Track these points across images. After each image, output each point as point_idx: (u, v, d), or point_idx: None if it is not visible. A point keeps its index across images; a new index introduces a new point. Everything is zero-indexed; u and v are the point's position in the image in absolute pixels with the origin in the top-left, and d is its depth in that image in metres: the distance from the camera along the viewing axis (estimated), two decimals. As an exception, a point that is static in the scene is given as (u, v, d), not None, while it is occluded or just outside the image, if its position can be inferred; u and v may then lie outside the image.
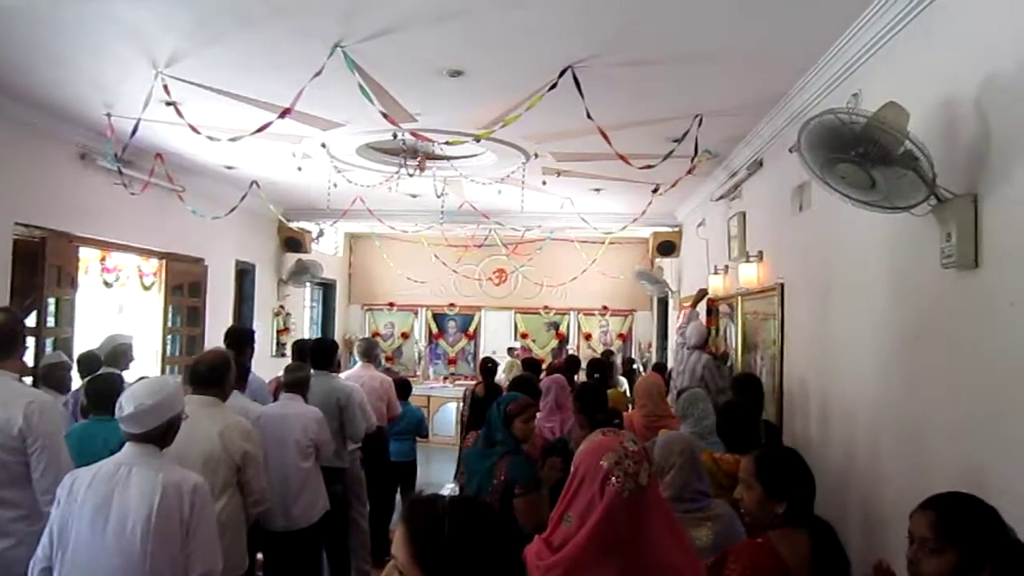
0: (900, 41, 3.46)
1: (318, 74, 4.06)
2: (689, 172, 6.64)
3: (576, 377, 7.57)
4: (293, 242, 10.23)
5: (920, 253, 3.22)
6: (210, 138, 5.06)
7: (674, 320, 10.27)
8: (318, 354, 5.54)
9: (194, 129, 4.87)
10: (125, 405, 2.77)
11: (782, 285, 5.35)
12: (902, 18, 3.36)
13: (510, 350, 11.88)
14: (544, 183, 7.61)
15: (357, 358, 6.69)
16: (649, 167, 5.21)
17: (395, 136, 5.68)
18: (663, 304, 11.60)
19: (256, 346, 5.90)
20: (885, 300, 3.66)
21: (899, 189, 2.78)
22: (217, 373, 3.65)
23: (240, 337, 5.57)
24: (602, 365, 7.41)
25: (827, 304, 4.51)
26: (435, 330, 13.20)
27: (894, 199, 2.80)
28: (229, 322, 8.61)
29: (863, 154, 2.72)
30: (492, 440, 3.63)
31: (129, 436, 2.79)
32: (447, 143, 4.95)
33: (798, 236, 5.07)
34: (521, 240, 11.49)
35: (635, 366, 10.72)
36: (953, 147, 2.94)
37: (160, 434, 2.82)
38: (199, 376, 3.62)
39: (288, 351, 9.15)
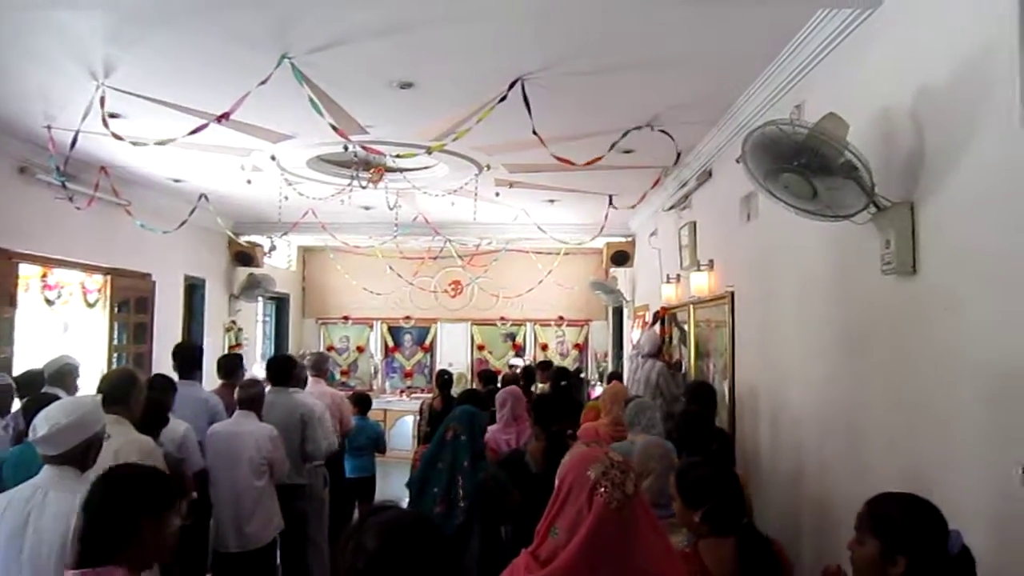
0: (840, 54, 3.57)
1: (263, 83, 4.02)
2: (655, 185, 6.75)
3: (533, 387, 7.60)
4: (244, 256, 10.08)
5: (862, 260, 3.31)
6: (134, 143, 4.98)
7: (629, 329, 10.39)
8: (276, 371, 5.48)
9: (117, 136, 4.77)
10: (39, 426, 2.63)
11: (732, 293, 5.45)
12: (841, 31, 3.47)
13: (511, 367, 11.58)
14: (497, 195, 7.65)
15: (307, 373, 6.62)
16: (597, 161, 5.22)
17: (346, 148, 5.66)
18: (618, 313, 11.71)
19: (204, 363, 5.85)
20: (829, 306, 3.76)
21: (840, 198, 2.86)
22: (120, 391, 3.53)
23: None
24: (567, 373, 7.46)
25: (775, 311, 4.61)
26: (391, 343, 13.12)
27: (835, 208, 2.89)
28: (178, 338, 8.44)
29: (805, 164, 2.80)
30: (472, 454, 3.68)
31: (46, 459, 2.65)
32: (399, 156, 4.94)
33: (746, 245, 5.18)
34: (476, 252, 11.52)
35: (582, 375, 10.81)
36: (891, 156, 3.03)
37: (79, 455, 2.67)
38: (104, 394, 3.50)
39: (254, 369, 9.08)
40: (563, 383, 7.12)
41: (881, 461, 3.18)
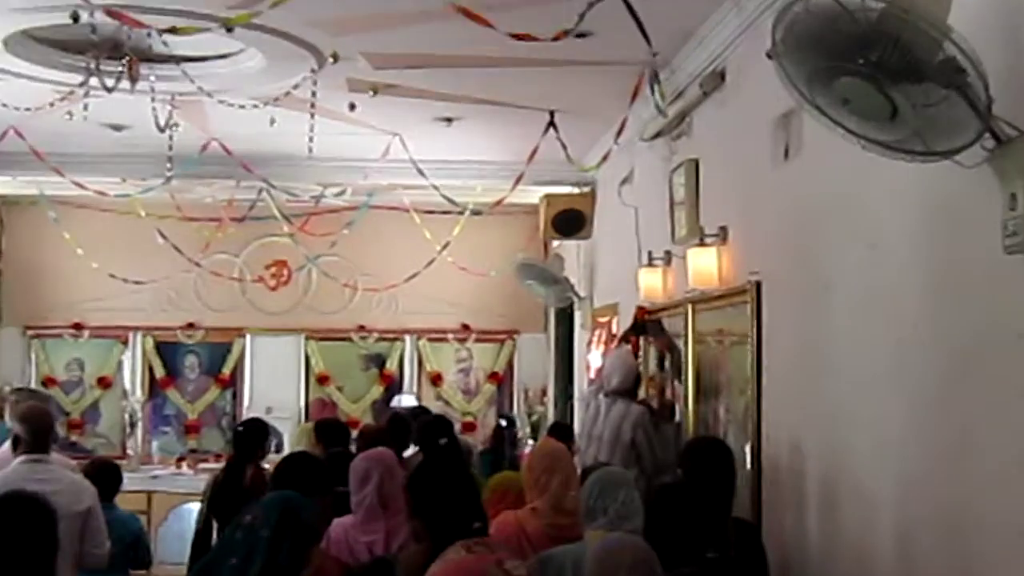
0: None
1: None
2: (634, 98, 6.78)
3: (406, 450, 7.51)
4: None
5: (970, 228, 3.40)
6: None
7: (584, 348, 10.46)
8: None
9: None
10: None
11: (758, 284, 5.52)
12: None
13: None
14: (352, 107, 7.59)
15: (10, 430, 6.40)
16: (527, 40, 5.18)
17: (75, 18, 5.54)
18: (565, 320, 11.77)
19: None
20: (921, 306, 3.85)
21: (936, 121, 2.93)
22: None
23: None
24: (443, 428, 7.36)
25: (830, 316, 4.70)
26: (161, 372, 12.90)
27: (928, 138, 2.96)
28: None
29: (877, 62, 2.86)
30: None
31: None
32: (172, 31, 4.86)
33: (782, 202, 5.24)
34: (316, 210, 11.37)
35: (515, 430, 10.78)
36: (1022, 58, 3.14)
37: None
38: None
39: None
40: (442, 441, 7.09)
41: (1003, 569, 3.29)
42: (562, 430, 8.54)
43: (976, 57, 2.93)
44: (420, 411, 9.22)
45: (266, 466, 6.95)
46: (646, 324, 7.75)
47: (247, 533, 4.09)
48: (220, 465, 10.70)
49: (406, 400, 12.14)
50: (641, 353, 7.77)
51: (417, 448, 7.36)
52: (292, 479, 5.02)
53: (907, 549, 3.96)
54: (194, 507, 11.31)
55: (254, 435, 7.33)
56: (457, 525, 3.96)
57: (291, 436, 10.42)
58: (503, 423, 10.33)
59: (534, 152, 8.29)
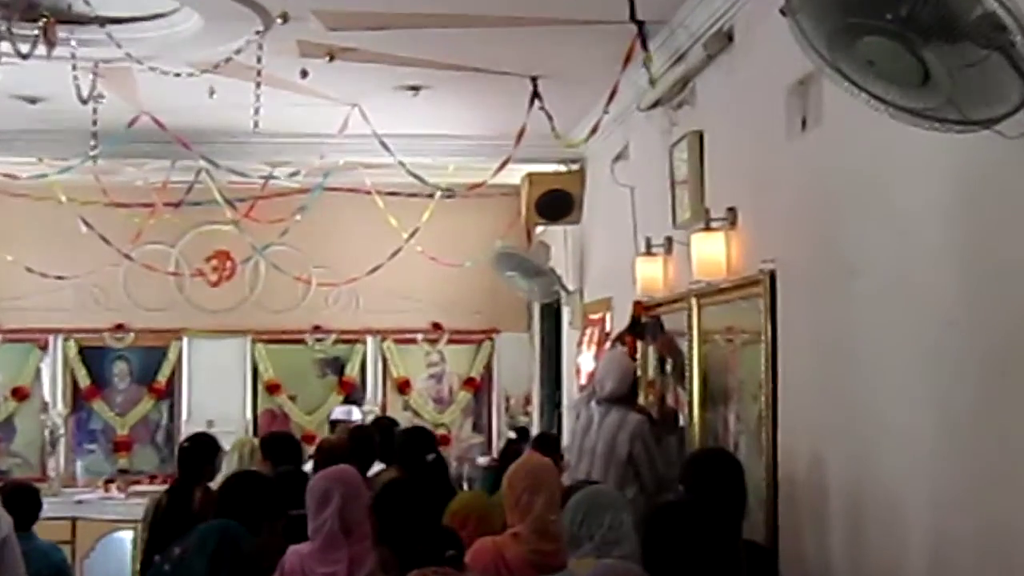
0: None
1: None
2: (627, 62, 6.78)
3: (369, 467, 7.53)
4: None
5: (1013, 206, 3.43)
6: None
7: (574, 349, 10.47)
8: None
9: None
10: None
11: (772, 274, 5.54)
12: None
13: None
14: (304, 75, 7.57)
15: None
16: None
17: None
18: (551, 317, 11.81)
19: None
20: (963, 301, 3.87)
21: (973, 86, 2.95)
22: None
23: None
24: (425, 439, 7.41)
25: (853, 309, 4.73)
26: (86, 381, 12.89)
27: (965, 105, 2.98)
28: None
29: (907, 18, 2.87)
30: None
31: None
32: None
33: (800, 179, 5.27)
34: (264, 193, 11.35)
35: (526, 444, 10.78)
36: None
37: None
38: None
39: None
40: (430, 457, 7.11)
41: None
42: (547, 442, 8.56)
43: (1020, 12, 2.93)
44: (387, 422, 9.20)
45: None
46: (644, 322, 7.77)
47: (176, 566, 4.07)
48: (156, 487, 10.75)
49: (353, 413, 11.69)
50: (639, 355, 7.79)
51: (384, 466, 7.38)
52: (237, 503, 5.03)
53: (943, 574, 3.99)
54: (126, 536, 11.34)
55: (202, 452, 7.30)
56: (429, 552, 3.97)
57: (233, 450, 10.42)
58: (513, 435, 10.38)
59: (522, 131, 8.29)
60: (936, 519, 4.04)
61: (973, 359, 3.78)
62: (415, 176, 9.59)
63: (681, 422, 7.10)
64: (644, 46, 6.43)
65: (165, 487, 8.01)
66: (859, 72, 3.06)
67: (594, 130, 8.14)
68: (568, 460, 7.20)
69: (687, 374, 6.98)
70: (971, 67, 2.96)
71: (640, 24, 6.21)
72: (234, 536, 4.13)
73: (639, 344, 7.81)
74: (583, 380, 9.30)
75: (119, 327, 12.81)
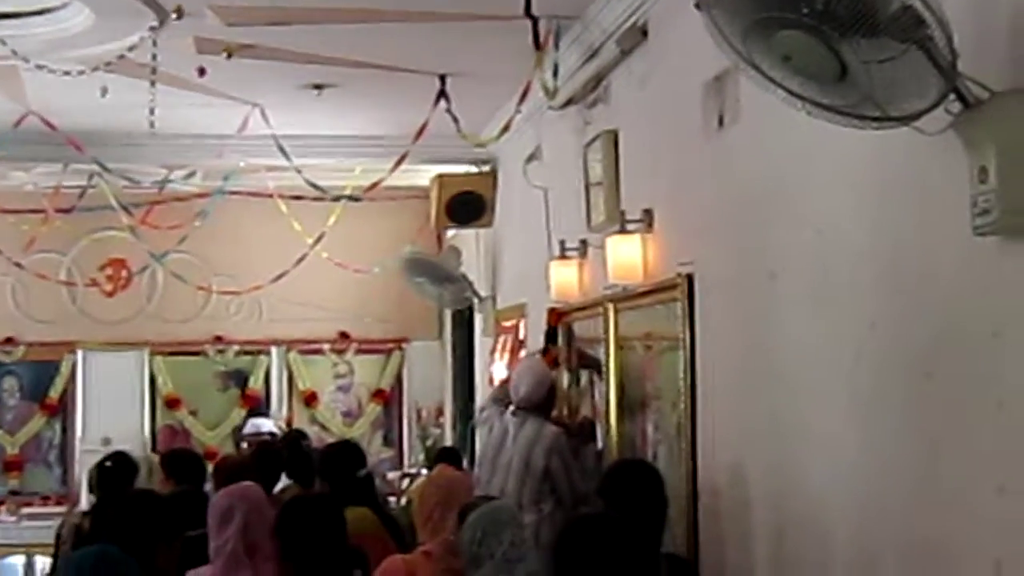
0: None
1: None
2: (540, 47, 6.75)
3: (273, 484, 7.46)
4: None
5: (934, 206, 3.43)
6: None
7: (487, 358, 10.45)
8: None
9: None
10: None
11: (690, 277, 5.55)
12: None
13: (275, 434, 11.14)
14: (202, 73, 7.50)
15: None
16: None
17: None
18: (463, 324, 11.79)
19: None
20: (877, 302, 3.88)
21: (891, 81, 2.94)
22: None
23: None
24: (350, 453, 7.33)
25: (774, 314, 4.74)
26: (-26, 397, 12.75)
27: (883, 100, 2.97)
28: None
29: (823, 12, 2.86)
30: None
31: None
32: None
33: (717, 179, 5.27)
34: (161, 197, 11.25)
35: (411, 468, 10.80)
36: (989, 9, 3.16)
37: None
38: None
39: None
40: (362, 473, 7.04)
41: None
42: (450, 455, 8.53)
43: (938, 6, 2.93)
44: (297, 435, 9.12)
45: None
46: (557, 329, 7.77)
47: None
48: (50, 509, 10.62)
49: (264, 426, 11.48)
50: (561, 365, 7.79)
51: (292, 481, 7.31)
52: (128, 524, 4.93)
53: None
54: (17, 561, 11.24)
55: (123, 472, 7.19)
56: (334, 572, 3.92)
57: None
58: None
59: (423, 128, 8.26)
60: (861, 528, 4.04)
61: (896, 361, 3.79)
62: (312, 184, 9.55)
63: (597, 434, 7.08)
64: (538, 46, 6.41)
65: (66, 509, 7.91)
66: (776, 68, 3.05)
67: (505, 128, 8.12)
68: (478, 475, 7.15)
69: (604, 381, 6.98)
70: (889, 62, 2.95)
71: (535, 20, 6.19)
72: (112, 561, 4.02)
73: (558, 354, 7.81)
74: (492, 385, 9.25)
75: (8, 340, 12.71)
